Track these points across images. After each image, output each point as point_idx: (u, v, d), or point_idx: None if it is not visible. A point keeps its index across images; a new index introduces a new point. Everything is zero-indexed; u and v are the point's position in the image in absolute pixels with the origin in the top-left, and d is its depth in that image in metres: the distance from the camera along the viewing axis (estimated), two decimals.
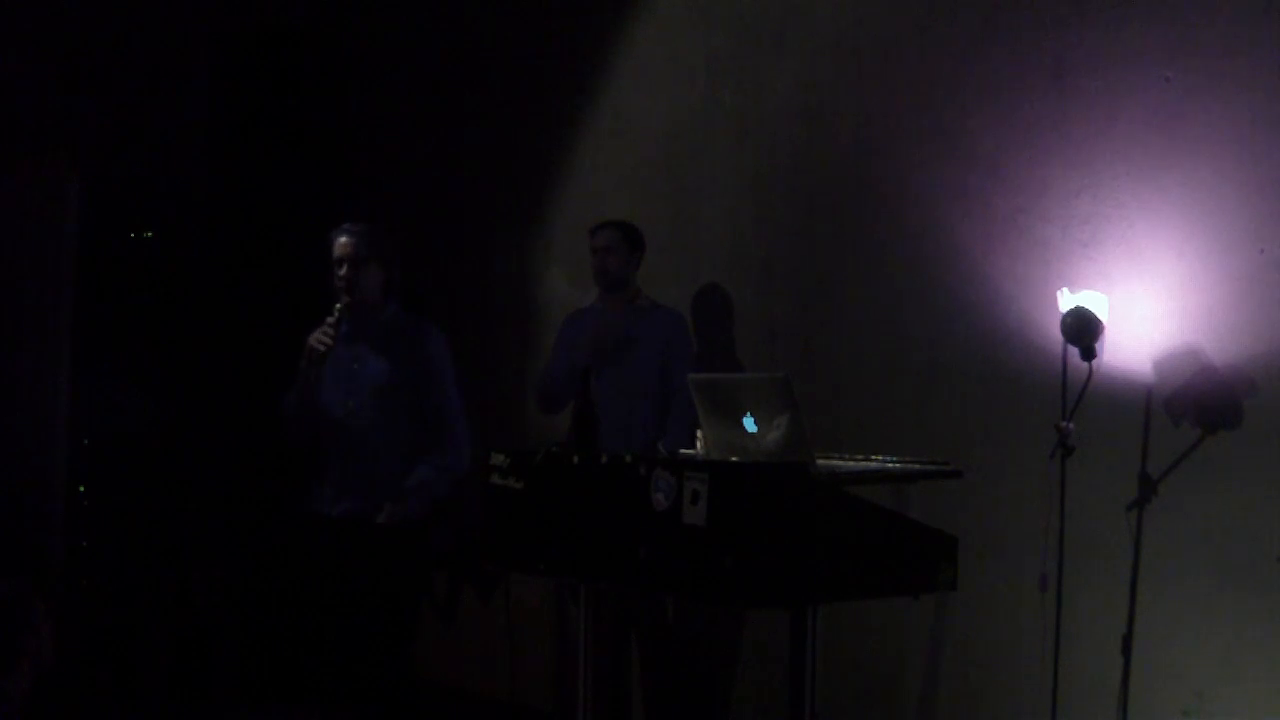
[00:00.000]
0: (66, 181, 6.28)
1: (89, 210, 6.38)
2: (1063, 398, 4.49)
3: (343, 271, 4.95)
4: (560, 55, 6.67)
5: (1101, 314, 4.40)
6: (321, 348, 4.87)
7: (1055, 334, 4.51)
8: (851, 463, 4.05)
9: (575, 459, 3.77)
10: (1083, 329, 4.40)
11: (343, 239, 4.99)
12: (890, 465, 4.06)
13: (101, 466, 6.64)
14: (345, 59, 7.48)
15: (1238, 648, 4.25)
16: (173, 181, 7.16)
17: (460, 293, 7.07)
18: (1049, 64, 4.73)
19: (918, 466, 4.06)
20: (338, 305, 4.91)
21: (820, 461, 3.76)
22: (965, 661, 4.95)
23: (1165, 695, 4.39)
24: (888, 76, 5.24)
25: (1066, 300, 4.45)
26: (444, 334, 5.13)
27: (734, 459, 3.73)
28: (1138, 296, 4.47)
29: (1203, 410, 4.35)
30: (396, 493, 4.92)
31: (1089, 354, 4.41)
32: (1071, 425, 4.44)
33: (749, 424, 3.70)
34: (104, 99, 6.99)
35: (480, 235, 7.03)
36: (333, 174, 7.26)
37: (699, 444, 3.98)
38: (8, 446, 6.25)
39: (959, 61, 5.00)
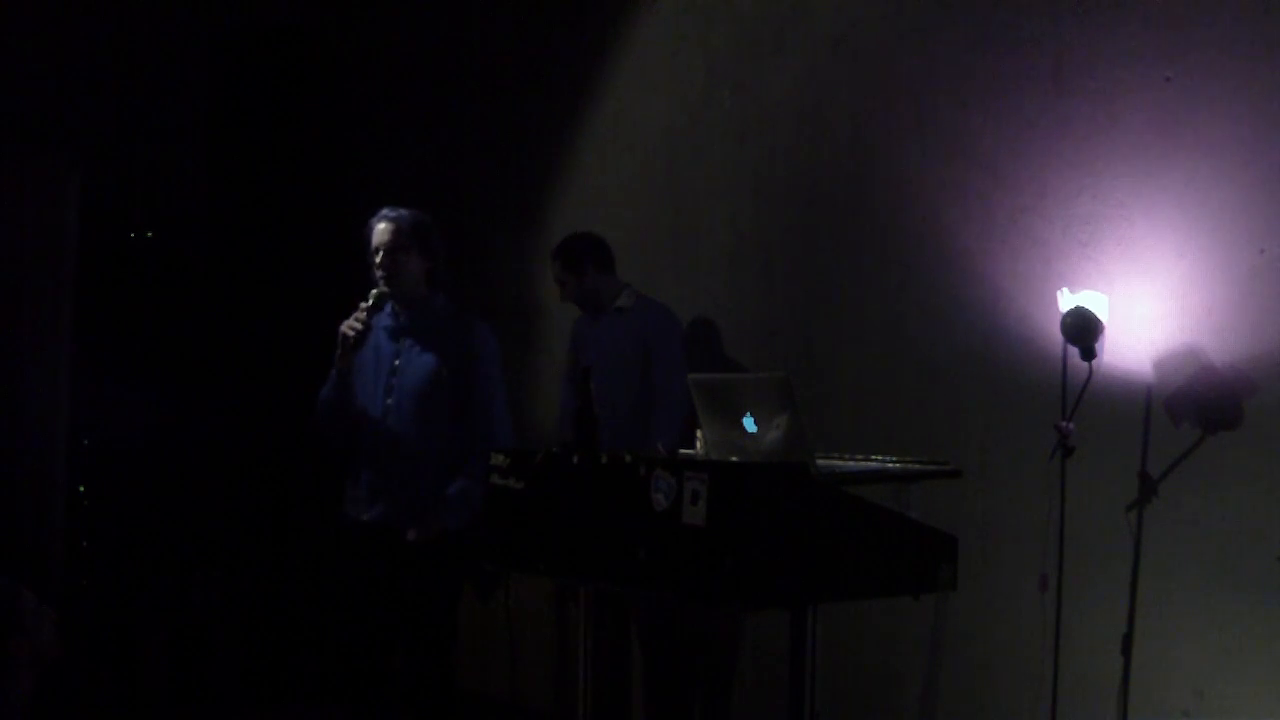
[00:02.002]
0: (66, 181, 6.28)
1: (89, 210, 6.38)
2: (1063, 398, 4.49)
3: (380, 259, 4.67)
4: (561, 55, 6.67)
5: (1101, 314, 4.40)
6: (352, 334, 4.59)
7: (1055, 334, 4.50)
8: (851, 463, 4.05)
9: (575, 459, 3.77)
10: (1083, 329, 4.40)
11: (381, 225, 4.71)
12: (890, 465, 4.06)
13: (101, 467, 6.64)
14: (345, 58, 7.48)
15: (1238, 648, 4.25)
16: (173, 181, 7.17)
17: (460, 292, 7.06)
18: (1049, 64, 4.73)
19: (918, 466, 4.06)
20: (373, 291, 4.64)
21: (820, 461, 3.76)
22: (965, 661, 4.95)
23: (1165, 695, 4.39)
24: (888, 76, 5.24)
25: (1066, 300, 4.44)
26: (493, 332, 4.87)
27: (734, 459, 3.73)
28: (1138, 296, 4.47)
29: (1203, 410, 4.35)
30: (432, 503, 4.66)
31: (1089, 354, 4.41)
32: (1071, 425, 4.44)
33: (749, 424, 3.70)
34: (104, 99, 7.00)
35: (480, 235, 7.03)
36: (332, 174, 7.27)
37: (698, 444, 3.98)
38: (8, 446, 6.25)
39: (959, 61, 5.00)
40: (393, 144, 7.49)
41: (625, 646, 5.87)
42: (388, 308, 4.78)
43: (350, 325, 4.61)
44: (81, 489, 6.59)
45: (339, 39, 7.46)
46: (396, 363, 4.71)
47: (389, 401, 4.71)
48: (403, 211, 4.76)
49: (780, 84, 5.61)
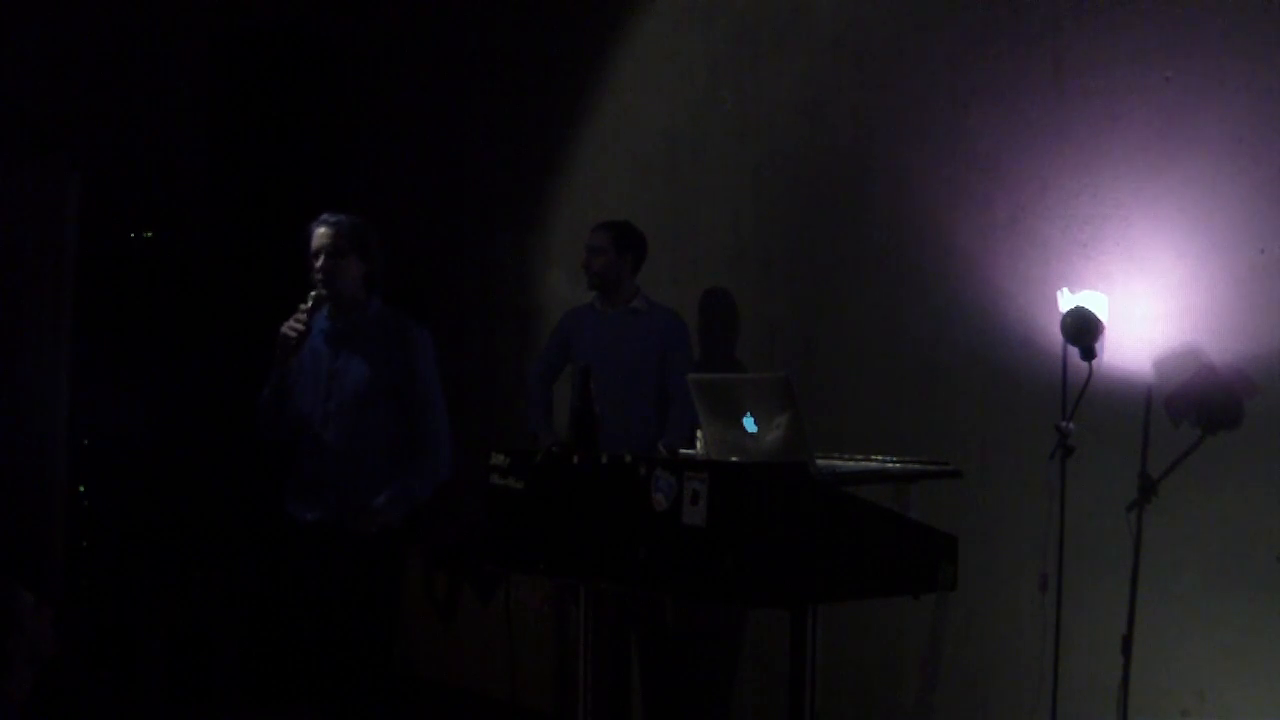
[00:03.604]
0: (66, 181, 6.27)
1: (89, 210, 6.38)
2: (1063, 398, 4.49)
3: (319, 263, 4.72)
4: (561, 55, 6.67)
5: (1101, 314, 4.40)
6: (293, 334, 4.62)
7: (1055, 334, 4.51)
8: (851, 463, 4.05)
9: (575, 459, 3.77)
10: (1083, 329, 4.40)
11: (320, 229, 4.77)
12: (890, 465, 4.06)
13: (101, 467, 6.64)
14: (345, 58, 7.48)
15: (1238, 648, 4.25)
16: (172, 181, 7.17)
17: (460, 292, 7.07)
18: (1049, 64, 4.73)
19: (918, 466, 4.06)
20: (312, 293, 4.68)
21: (820, 461, 3.75)
22: (965, 661, 4.95)
23: (1165, 695, 4.39)
24: (888, 76, 5.24)
25: (1066, 300, 4.45)
26: (429, 334, 4.89)
27: (734, 459, 3.73)
28: (1138, 296, 4.47)
29: (1203, 410, 4.35)
30: (371, 504, 4.66)
31: (1089, 354, 4.41)
32: (1071, 425, 4.44)
33: (749, 424, 3.70)
34: (104, 99, 7.00)
35: (480, 234, 7.03)
36: (332, 174, 7.26)
37: (699, 444, 3.98)
38: (8, 446, 6.25)
39: (959, 61, 5.00)
40: (393, 144, 7.49)
41: (625, 646, 5.86)
42: (324, 311, 4.82)
43: (291, 326, 4.65)
44: (81, 489, 6.58)
45: (338, 40, 7.46)
46: (335, 367, 4.76)
47: (328, 405, 4.75)
48: (342, 216, 4.82)
49: (780, 84, 5.61)
